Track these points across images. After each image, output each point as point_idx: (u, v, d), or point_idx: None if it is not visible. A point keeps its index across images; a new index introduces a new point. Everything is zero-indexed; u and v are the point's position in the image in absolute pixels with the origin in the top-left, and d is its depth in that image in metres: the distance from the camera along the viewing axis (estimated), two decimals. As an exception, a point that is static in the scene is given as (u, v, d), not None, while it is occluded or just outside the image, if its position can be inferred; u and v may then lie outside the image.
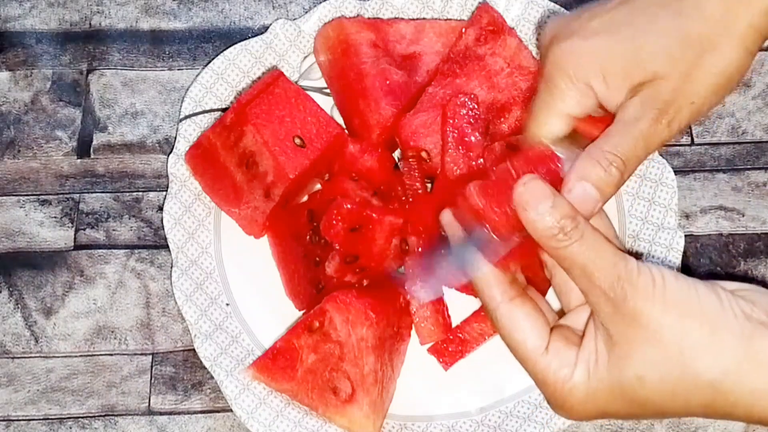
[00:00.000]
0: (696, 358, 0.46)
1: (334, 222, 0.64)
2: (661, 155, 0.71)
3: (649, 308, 0.46)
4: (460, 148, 0.67)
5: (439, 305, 0.67)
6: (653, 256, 0.69)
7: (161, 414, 0.68)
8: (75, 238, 0.73)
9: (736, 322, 0.46)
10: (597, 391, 0.48)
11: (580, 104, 0.55)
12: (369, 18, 0.74)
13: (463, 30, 0.72)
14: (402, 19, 0.74)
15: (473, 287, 0.53)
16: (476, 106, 0.68)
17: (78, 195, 0.74)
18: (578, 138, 0.57)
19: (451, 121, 0.67)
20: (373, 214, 0.65)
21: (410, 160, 0.69)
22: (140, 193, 0.74)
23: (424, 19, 0.75)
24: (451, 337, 0.67)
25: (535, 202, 0.48)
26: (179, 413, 0.68)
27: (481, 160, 0.66)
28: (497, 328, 0.51)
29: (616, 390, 0.48)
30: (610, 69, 0.54)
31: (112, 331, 0.70)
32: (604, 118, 0.56)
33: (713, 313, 0.46)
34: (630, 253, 0.50)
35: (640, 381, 0.47)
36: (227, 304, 0.69)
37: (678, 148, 0.75)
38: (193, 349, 0.68)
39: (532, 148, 0.55)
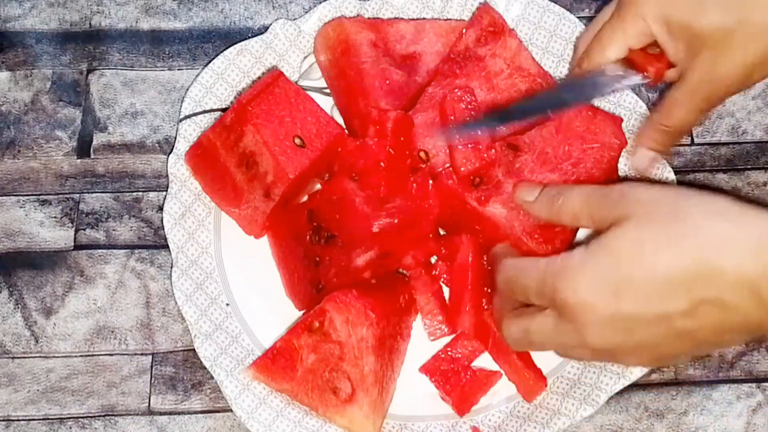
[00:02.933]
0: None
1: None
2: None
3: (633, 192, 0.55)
4: (468, 143, 0.66)
5: (443, 302, 0.67)
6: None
7: (161, 414, 0.68)
8: (75, 238, 0.73)
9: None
10: (595, 255, 0.52)
11: (638, 39, 0.64)
12: (369, 18, 0.74)
13: (464, 30, 0.72)
14: (402, 19, 0.74)
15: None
16: (473, 98, 0.67)
17: (78, 195, 0.74)
18: (628, 66, 0.65)
19: (452, 118, 0.67)
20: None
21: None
22: (140, 193, 0.74)
23: (424, 19, 0.75)
24: (443, 355, 0.67)
25: (524, 195, 0.64)
26: (179, 413, 0.68)
27: (493, 150, 0.66)
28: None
29: (615, 254, 0.52)
30: (672, 17, 0.61)
31: (112, 331, 0.70)
32: (657, 55, 0.64)
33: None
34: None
35: (641, 244, 0.52)
36: (227, 304, 0.69)
37: (678, 148, 0.75)
38: (193, 349, 0.68)
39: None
